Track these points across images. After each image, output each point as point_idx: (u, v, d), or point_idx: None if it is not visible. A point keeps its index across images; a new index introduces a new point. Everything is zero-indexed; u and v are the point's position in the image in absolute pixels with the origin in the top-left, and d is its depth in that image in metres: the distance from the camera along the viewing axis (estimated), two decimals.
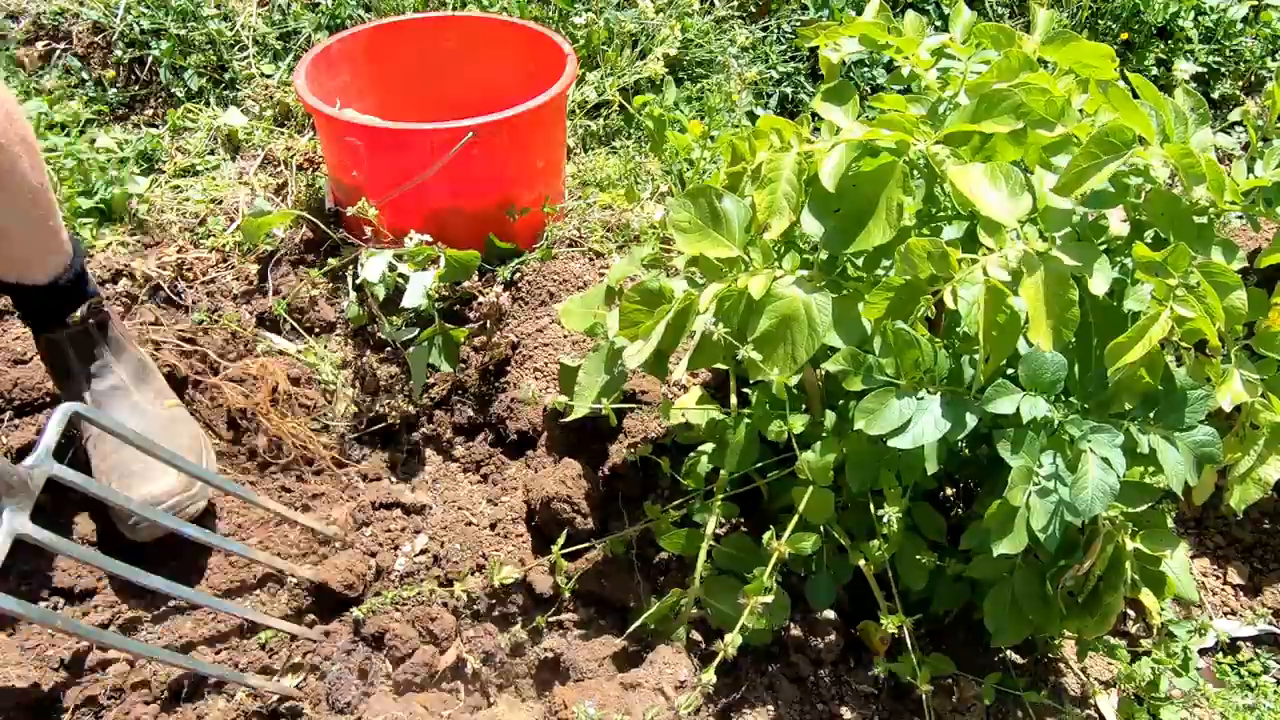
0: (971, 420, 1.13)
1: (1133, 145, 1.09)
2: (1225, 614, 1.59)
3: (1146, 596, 1.25)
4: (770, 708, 1.32)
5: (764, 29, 2.74)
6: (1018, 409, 1.12)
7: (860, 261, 1.25)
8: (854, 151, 1.15)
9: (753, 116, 2.57)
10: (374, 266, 1.70)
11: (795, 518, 1.26)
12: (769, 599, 1.24)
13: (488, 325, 1.82)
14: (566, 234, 2.02)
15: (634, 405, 1.62)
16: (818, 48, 2.67)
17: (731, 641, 1.22)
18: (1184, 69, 2.69)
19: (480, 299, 1.84)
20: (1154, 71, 2.73)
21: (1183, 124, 1.18)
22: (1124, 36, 2.77)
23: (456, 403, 1.81)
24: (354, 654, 1.37)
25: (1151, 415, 1.15)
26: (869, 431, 1.13)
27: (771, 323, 1.15)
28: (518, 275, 1.94)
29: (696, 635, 1.38)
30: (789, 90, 2.64)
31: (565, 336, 1.79)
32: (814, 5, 2.72)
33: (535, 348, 1.77)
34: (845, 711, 1.34)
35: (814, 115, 1.30)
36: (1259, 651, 1.54)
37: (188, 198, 2.09)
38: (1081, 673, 1.43)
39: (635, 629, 1.36)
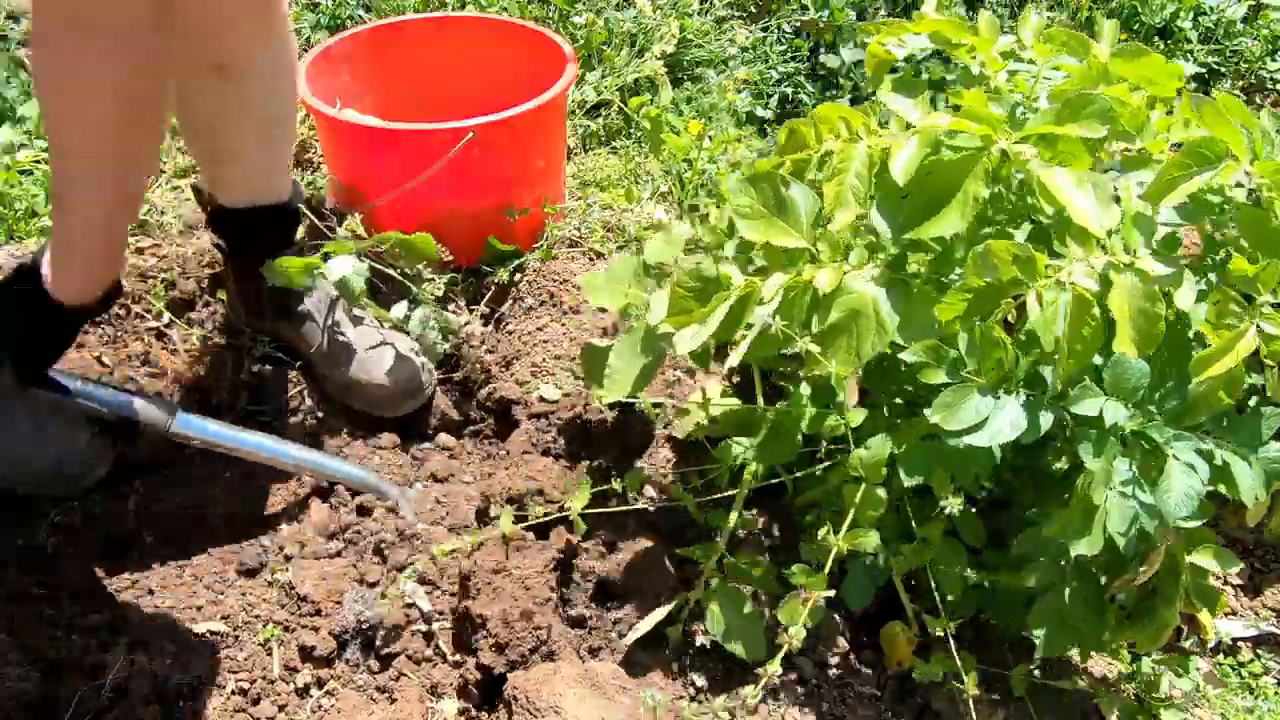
0: (1046, 421, 1.13)
1: (1225, 159, 1.08)
2: (1225, 614, 1.59)
3: (1201, 612, 1.24)
4: (771, 708, 1.32)
5: (764, 29, 2.74)
6: (1100, 412, 1.12)
7: (928, 260, 1.24)
8: (928, 145, 1.15)
9: (752, 117, 2.57)
10: (338, 266, 1.69)
11: (850, 515, 1.24)
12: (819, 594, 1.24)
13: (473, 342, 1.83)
14: (566, 234, 2.02)
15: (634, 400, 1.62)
16: (818, 48, 2.67)
17: (797, 634, 1.20)
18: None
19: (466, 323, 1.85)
20: None
21: (1269, 143, 1.18)
22: (1123, 37, 2.77)
23: (455, 400, 1.82)
24: None
25: (1225, 430, 1.15)
26: (945, 426, 1.13)
27: (839, 316, 1.14)
28: (517, 275, 1.94)
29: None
30: (789, 90, 2.64)
31: (565, 335, 1.79)
32: (814, 5, 2.72)
33: (534, 345, 1.77)
34: (847, 713, 1.34)
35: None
36: (1259, 652, 1.54)
37: (187, 198, 2.09)
38: (1084, 673, 1.43)
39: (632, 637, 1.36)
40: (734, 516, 1.36)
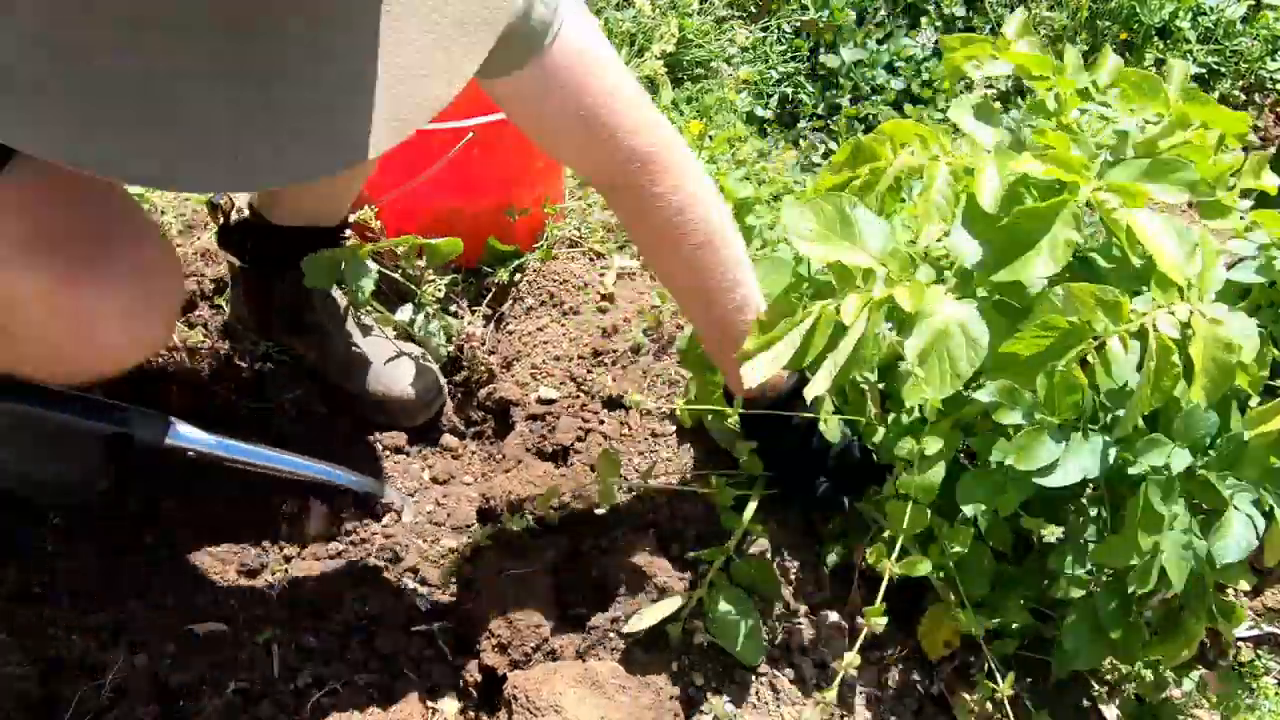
0: (1108, 462, 1.16)
1: None
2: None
3: (1222, 625, 1.28)
4: (770, 708, 1.32)
5: (764, 29, 2.74)
6: (1168, 460, 1.16)
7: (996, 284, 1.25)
8: (1008, 174, 1.17)
9: (752, 116, 2.58)
10: (359, 270, 1.69)
11: (899, 538, 1.25)
12: None
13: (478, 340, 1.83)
14: (566, 234, 2.02)
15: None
16: (818, 48, 2.66)
17: (850, 663, 1.21)
18: (1179, 69, 2.69)
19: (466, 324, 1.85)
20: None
21: None
22: (1123, 36, 2.78)
23: (458, 402, 1.82)
24: None
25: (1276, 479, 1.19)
26: (1019, 467, 1.15)
27: (929, 339, 1.14)
28: (518, 276, 1.94)
29: None
30: (789, 90, 2.64)
31: (565, 335, 1.79)
32: (814, 5, 2.72)
33: (535, 346, 1.77)
34: (846, 713, 1.34)
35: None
36: (1259, 652, 1.54)
37: (188, 198, 2.09)
38: (1088, 673, 1.43)
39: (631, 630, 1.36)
40: (748, 517, 1.36)
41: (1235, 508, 1.16)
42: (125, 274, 1.15)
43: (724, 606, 1.34)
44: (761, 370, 1.18)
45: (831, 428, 1.34)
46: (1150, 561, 1.16)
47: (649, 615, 1.34)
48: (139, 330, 1.21)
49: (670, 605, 1.34)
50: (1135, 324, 1.11)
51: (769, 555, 1.41)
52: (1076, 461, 1.16)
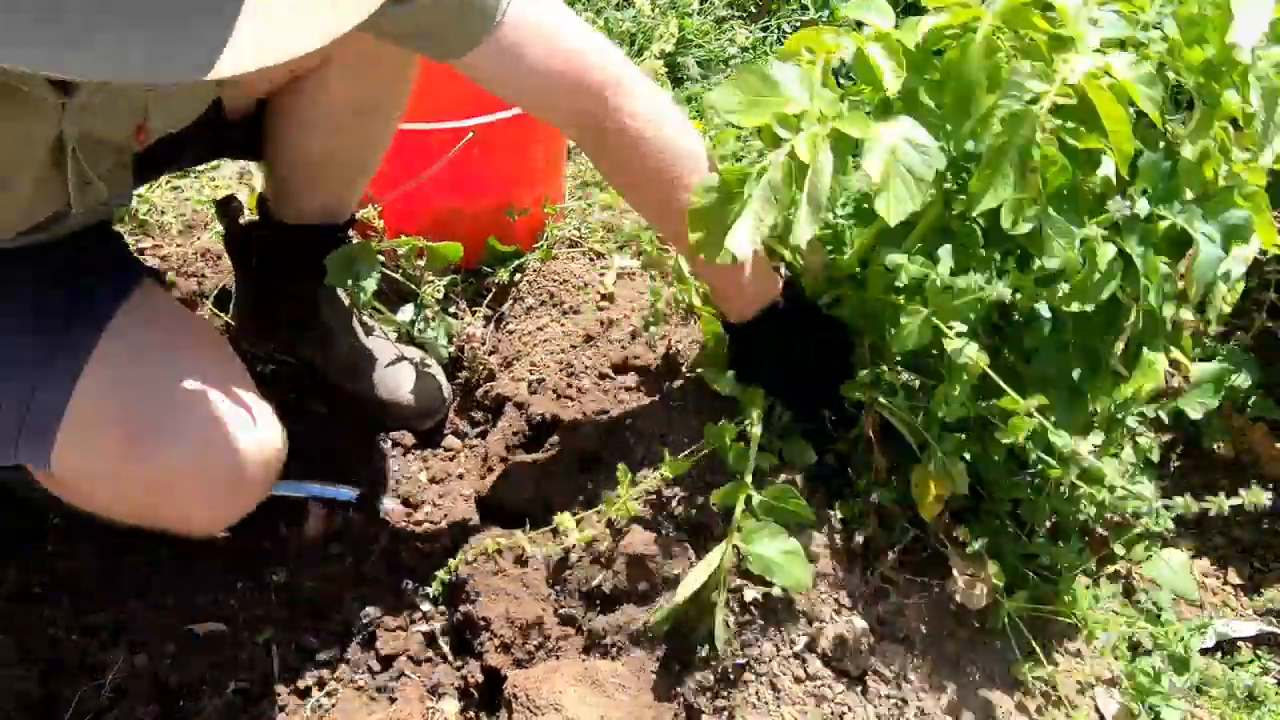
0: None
1: None
2: (1225, 614, 1.59)
3: (1177, 352, 1.35)
4: (771, 707, 1.32)
5: (764, 29, 2.74)
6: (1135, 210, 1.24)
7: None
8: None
9: None
10: (365, 270, 1.69)
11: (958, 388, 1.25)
12: None
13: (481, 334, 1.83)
14: (567, 234, 2.03)
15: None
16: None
17: None
18: None
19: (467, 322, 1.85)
20: None
21: None
22: None
23: (459, 402, 1.82)
24: None
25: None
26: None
27: (885, 158, 1.16)
28: (518, 276, 1.94)
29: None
30: None
31: (564, 334, 1.79)
32: (814, 5, 2.73)
33: (535, 345, 1.77)
34: (847, 714, 1.34)
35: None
36: (1259, 652, 1.55)
37: (188, 198, 2.09)
38: (1091, 668, 1.43)
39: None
40: (754, 450, 1.34)
41: (1202, 235, 1.23)
42: (219, 472, 1.25)
43: (758, 541, 1.30)
44: (745, 239, 1.17)
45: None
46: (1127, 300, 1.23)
47: (690, 581, 1.29)
48: (230, 511, 1.33)
49: (706, 569, 1.31)
50: (1063, 80, 1.14)
51: (788, 479, 1.38)
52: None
